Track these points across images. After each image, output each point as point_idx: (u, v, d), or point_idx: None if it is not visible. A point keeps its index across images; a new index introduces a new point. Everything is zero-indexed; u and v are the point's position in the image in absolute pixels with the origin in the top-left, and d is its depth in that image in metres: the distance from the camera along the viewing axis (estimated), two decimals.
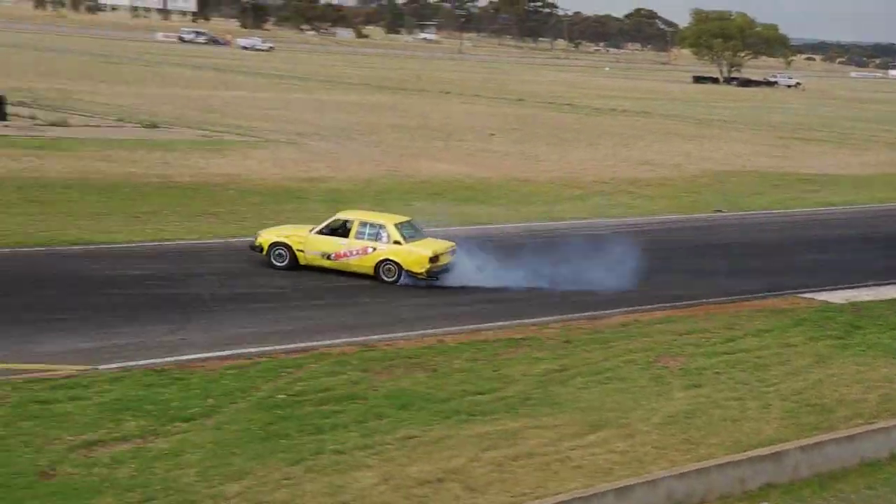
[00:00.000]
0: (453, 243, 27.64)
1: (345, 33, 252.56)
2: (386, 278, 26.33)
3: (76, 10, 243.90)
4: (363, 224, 26.81)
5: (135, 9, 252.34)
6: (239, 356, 19.68)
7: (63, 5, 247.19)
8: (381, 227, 26.67)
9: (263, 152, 47.75)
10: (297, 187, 39.43)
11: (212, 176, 40.11)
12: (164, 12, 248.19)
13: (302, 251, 26.90)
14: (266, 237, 27.27)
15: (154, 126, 52.66)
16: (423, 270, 26.21)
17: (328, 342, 21.03)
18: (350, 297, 25.19)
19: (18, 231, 28.55)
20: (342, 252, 26.64)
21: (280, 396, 17.75)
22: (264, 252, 27.07)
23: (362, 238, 26.58)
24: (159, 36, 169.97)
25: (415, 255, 26.32)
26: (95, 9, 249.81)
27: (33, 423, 15.88)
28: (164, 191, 36.47)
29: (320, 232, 26.99)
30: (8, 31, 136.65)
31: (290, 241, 27.01)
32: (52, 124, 49.73)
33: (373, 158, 49.11)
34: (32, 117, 51.33)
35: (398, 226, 26.89)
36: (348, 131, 59.18)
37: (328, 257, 26.70)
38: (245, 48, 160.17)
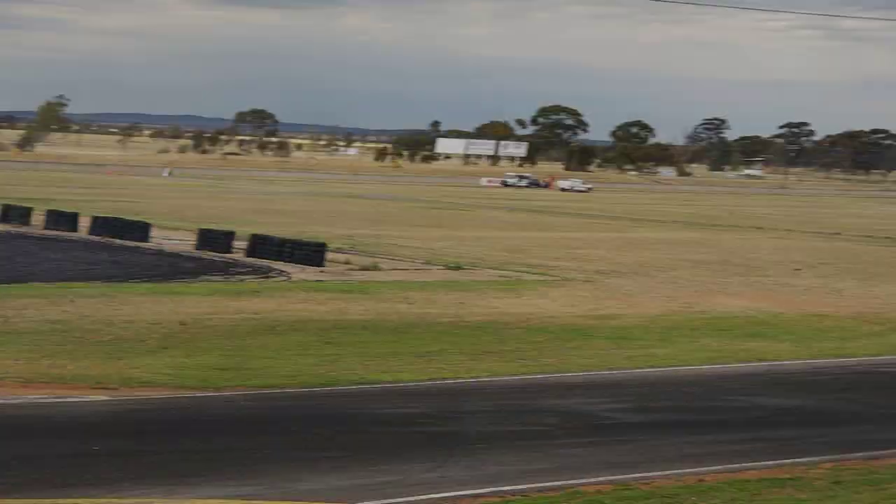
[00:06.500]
0: None
1: (667, 172, 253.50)
2: None
3: (412, 160, 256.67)
4: None
5: (467, 157, 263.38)
6: (493, 494, 19.96)
7: (401, 156, 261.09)
8: None
9: (559, 291, 48.29)
10: (584, 325, 39.56)
11: (502, 315, 40.83)
12: (494, 158, 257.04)
13: None
14: None
15: (458, 268, 54.43)
16: None
17: (583, 481, 20.98)
18: (618, 433, 25.23)
19: (307, 372, 29.94)
20: None
21: None
22: None
23: None
24: (483, 181, 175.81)
25: None
26: (431, 158, 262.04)
27: None
28: (454, 330, 37.40)
29: None
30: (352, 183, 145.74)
31: None
32: (364, 269, 52.08)
33: (667, 294, 48.84)
34: (347, 262, 53.90)
35: None
36: (647, 268, 59.19)
37: None
38: (564, 189, 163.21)
